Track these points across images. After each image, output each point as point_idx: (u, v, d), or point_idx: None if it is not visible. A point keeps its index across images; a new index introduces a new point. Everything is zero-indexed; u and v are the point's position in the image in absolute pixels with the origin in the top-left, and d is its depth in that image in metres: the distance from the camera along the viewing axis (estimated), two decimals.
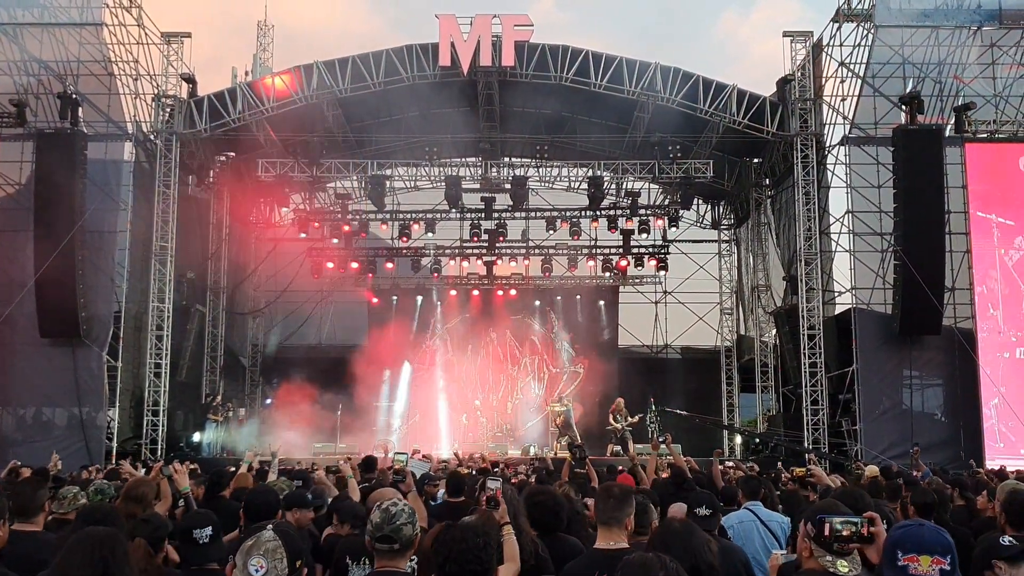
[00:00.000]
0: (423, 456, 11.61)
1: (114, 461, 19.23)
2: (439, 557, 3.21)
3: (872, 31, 21.09)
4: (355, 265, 27.44)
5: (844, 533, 3.37)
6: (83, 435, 20.21)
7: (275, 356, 28.85)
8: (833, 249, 22.26)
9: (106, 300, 20.95)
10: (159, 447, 21.04)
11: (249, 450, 11.18)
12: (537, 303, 28.56)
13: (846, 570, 3.42)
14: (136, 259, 21.81)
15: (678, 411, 22.97)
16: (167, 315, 21.98)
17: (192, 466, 12.66)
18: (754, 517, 6.56)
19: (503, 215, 26.55)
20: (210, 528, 4.53)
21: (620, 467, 10.60)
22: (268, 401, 26.77)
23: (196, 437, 22.70)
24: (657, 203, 27.45)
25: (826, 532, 3.39)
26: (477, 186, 25.76)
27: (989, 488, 7.58)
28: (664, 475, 9.63)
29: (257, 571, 2.80)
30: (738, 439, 27.10)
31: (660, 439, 11.55)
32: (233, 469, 10.07)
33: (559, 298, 28.52)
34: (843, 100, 21.84)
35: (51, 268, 19.53)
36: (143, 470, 11.86)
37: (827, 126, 22.37)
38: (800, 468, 13.83)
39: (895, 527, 3.06)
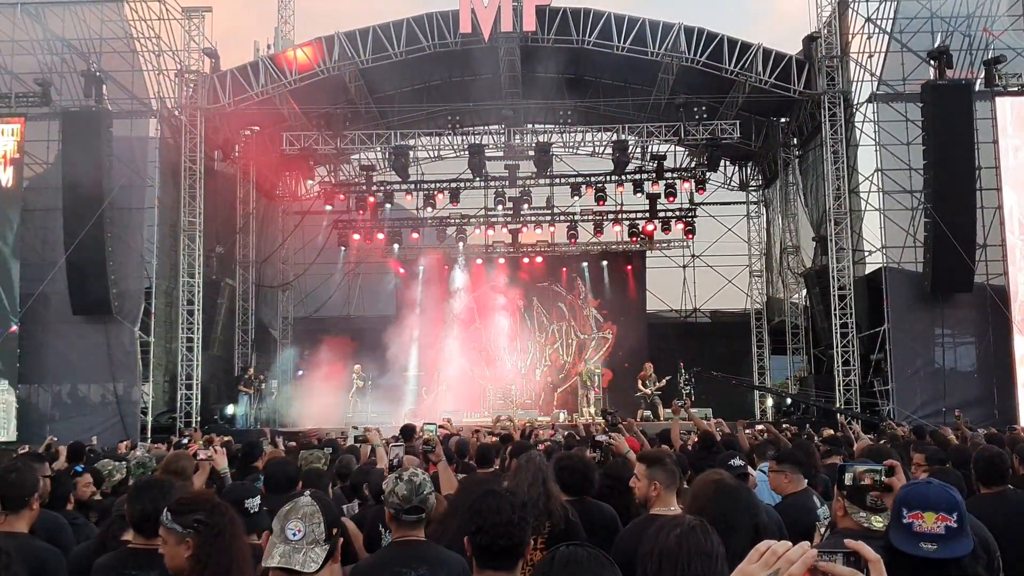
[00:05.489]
0: (445, 423, 11.50)
1: (150, 436, 19.53)
2: (472, 524, 3.12)
3: None
4: (381, 236, 27.59)
5: (865, 482, 3.35)
6: (118, 410, 20.48)
7: (305, 328, 29.05)
8: (862, 208, 21.98)
9: (136, 276, 21.12)
10: (193, 421, 21.27)
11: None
12: (563, 270, 28.49)
13: (880, 525, 3.40)
14: (165, 235, 21.95)
15: (713, 372, 22.90)
16: (197, 290, 22.13)
17: (227, 439, 12.80)
18: (766, 479, 6.57)
19: (527, 182, 26.46)
20: (258, 498, 4.61)
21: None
22: (300, 372, 26.98)
23: (230, 410, 22.90)
24: (683, 166, 27.25)
25: (847, 481, 3.38)
26: (500, 154, 25.62)
27: None
28: (693, 440, 9.56)
29: (295, 535, 2.82)
30: (769, 401, 27.01)
31: (680, 403, 11.47)
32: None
33: (585, 264, 28.42)
34: (870, 56, 21.47)
35: (81, 246, 19.76)
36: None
37: (855, 83, 22.02)
38: (830, 430, 13.78)
39: (904, 485, 3.06)
